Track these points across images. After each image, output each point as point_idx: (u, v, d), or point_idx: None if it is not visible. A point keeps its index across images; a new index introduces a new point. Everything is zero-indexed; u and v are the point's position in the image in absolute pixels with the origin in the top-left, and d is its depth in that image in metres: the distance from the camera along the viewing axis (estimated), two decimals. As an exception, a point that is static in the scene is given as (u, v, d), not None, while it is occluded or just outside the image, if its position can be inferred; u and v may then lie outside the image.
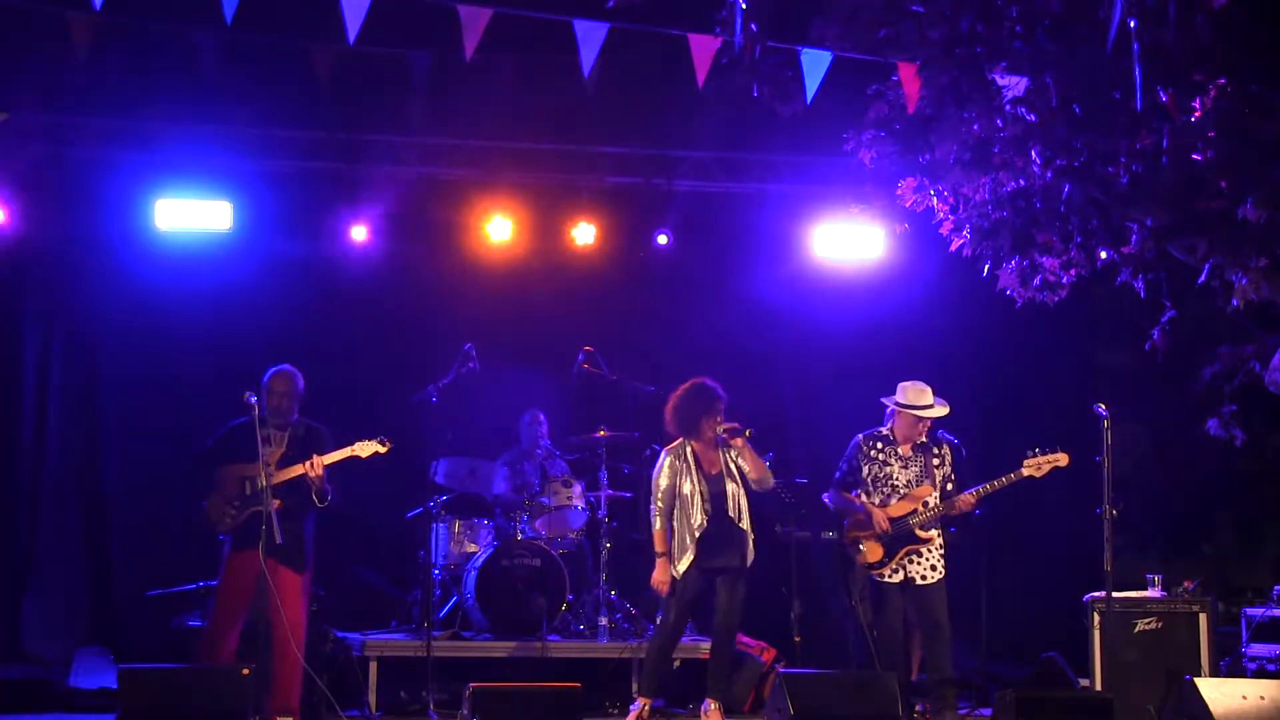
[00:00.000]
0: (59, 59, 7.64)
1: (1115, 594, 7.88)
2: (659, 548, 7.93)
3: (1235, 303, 8.12)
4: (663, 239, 10.51)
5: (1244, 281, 8.03)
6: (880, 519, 7.97)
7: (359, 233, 10.14)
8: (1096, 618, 8.26)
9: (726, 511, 7.91)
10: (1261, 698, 7.41)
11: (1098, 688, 8.11)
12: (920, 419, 8.07)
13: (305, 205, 10.15)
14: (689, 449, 8.00)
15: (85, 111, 9.61)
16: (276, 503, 7.47)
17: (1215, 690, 7.46)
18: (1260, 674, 8.47)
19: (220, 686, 6.96)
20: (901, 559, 7.98)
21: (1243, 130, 7.66)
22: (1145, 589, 8.58)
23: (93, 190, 9.78)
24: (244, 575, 7.62)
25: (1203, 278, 8.25)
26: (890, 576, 8.01)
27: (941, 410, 8.08)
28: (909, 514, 8.01)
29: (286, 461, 7.68)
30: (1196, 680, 7.57)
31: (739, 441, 7.90)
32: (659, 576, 7.91)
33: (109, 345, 10.11)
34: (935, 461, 8.09)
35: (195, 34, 7.74)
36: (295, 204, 10.11)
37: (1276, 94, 7.65)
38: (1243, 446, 8.91)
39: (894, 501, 8.05)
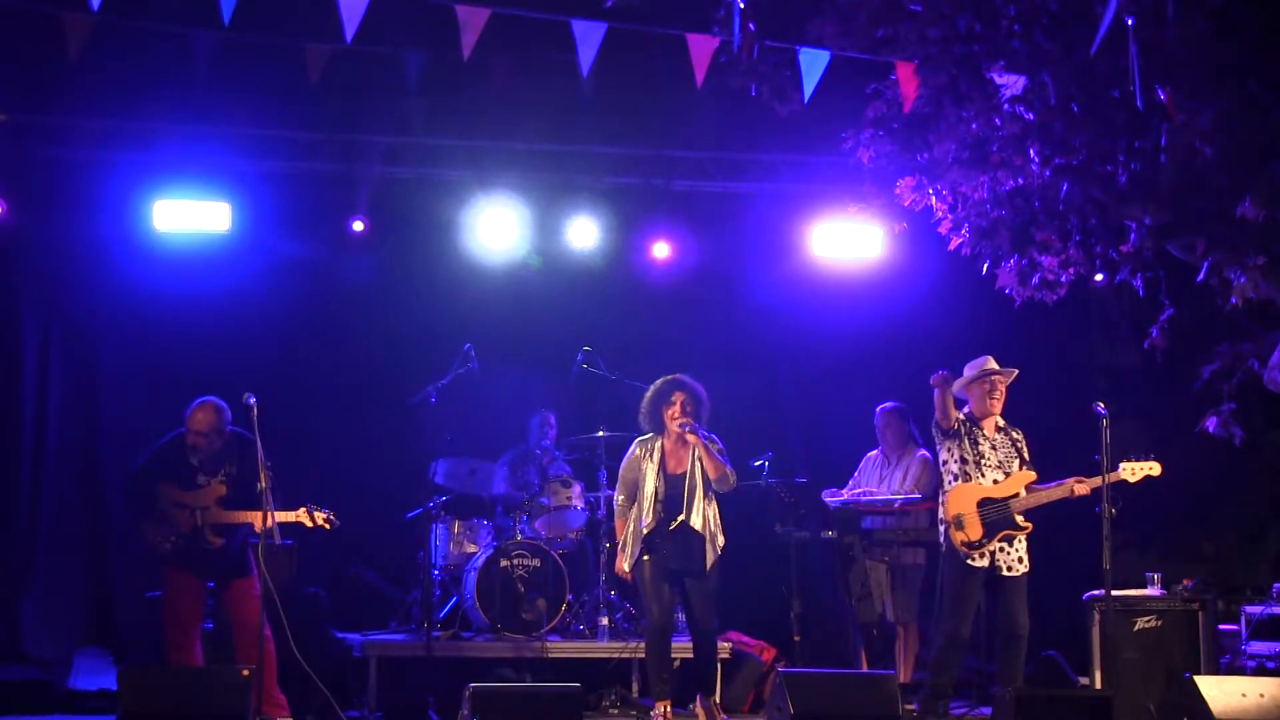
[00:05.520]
0: (55, 60, 7.62)
1: (1115, 592, 7.88)
2: (618, 537, 7.95)
3: (1234, 301, 8.14)
4: (662, 251, 10.50)
5: (1242, 279, 8.04)
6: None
7: (357, 233, 10.14)
8: (1096, 616, 8.27)
9: (678, 513, 7.76)
10: (1261, 695, 7.42)
11: (1097, 686, 8.12)
12: (987, 378, 7.94)
13: (304, 206, 10.14)
14: (659, 444, 7.88)
15: (82, 112, 9.60)
16: (218, 540, 7.62)
17: (1215, 688, 7.46)
18: (1260, 672, 8.46)
19: (220, 687, 6.97)
20: (996, 541, 7.81)
21: (1241, 129, 7.67)
22: (1145, 587, 8.58)
23: (91, 192, 9.76)
24: (187, 592, 7.74)
25: (1201, 276, 8.26)
26: (979, 560, 7.81)
27: (994, 365, 7.99)
28: (1011, 496, 7.84)
29: (230, 504, 7.65)
30: (1196, 678, 7.58)
31: (691, 437, 7.75)
32: (618, 567, 7.94)
33: (108, 347, 10.10)
34: (1021, 448, 7.98)
35: (191, 34, 7.73)
36: (294, 204, 10.10)
37: (1274, 92, 7.66)
38: (1242, 444, 8.91)
39: (991, 480, 7.89)
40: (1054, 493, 7.84)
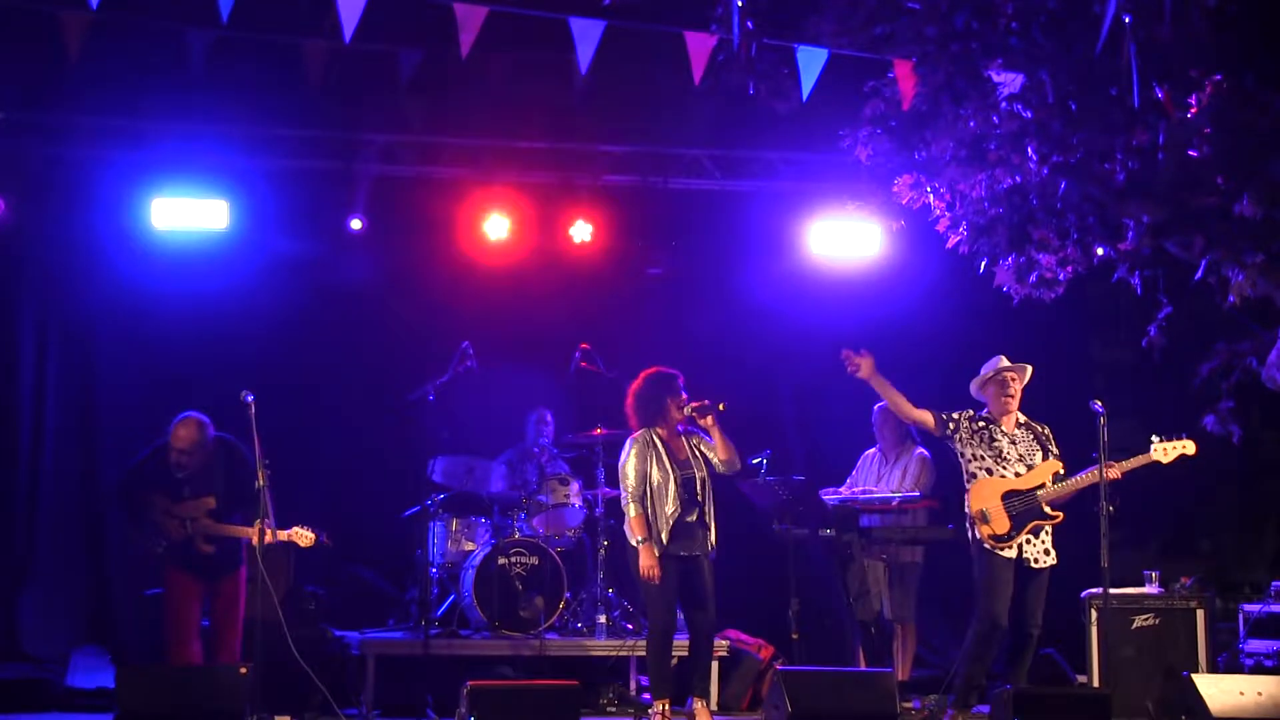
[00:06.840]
0: (52, 57, 7.62)
1: (1113, 590, 7.87)
2: (639, 534, 7.71)
3: (1231, 299, 8.13)
4: (658, 249, 10.51)
5: (1240, 278, 8.03)
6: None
7: (355, 231, 10.14)
8: (1094, 614, 8.27)
9: (696, 497, 7.79)
10: (1259, 693, 7.43)
11: (1095, 684, 8.12)
12: (999, 376, 7.90)
13: (302, 204, 10.14)
14: (655, 436, 7.87)
15: (79, 110, 9.59)
16: (209, 548, 7.67)
17: (1212, 686, 7.47)
18: (1257, 670, 8.47)
19: (218, 686, 6.98)
20: (1025, 533, 7.71)
21: (1239, 126, 7.67)
22: (1143, 585, 8.58)
23: (88, 190, 9.76)
24: (186, 591, 7.78)
25: (1199, 274, 8.26)
26: (1006, 551, 7.71)
27: (1006, 362, 7.95)
28: (1037, 487, 7.76)
29: (221, 516, 7.70)
30: (1194, 676, 7.58)
31: (709, 420, 7.78)
32: (646, 563, 7.68)
33: (106, 345, 10.10)
34: (1046, 441, 7.92)
35: (188, 32, 7.73)
36: (292, 202, 10.10)
37: (1272, 90, 7.66)
38: (1240, 442, 8.91)
39: (1014, 474, 7.81)
40: (1081, 480, 7.72)
